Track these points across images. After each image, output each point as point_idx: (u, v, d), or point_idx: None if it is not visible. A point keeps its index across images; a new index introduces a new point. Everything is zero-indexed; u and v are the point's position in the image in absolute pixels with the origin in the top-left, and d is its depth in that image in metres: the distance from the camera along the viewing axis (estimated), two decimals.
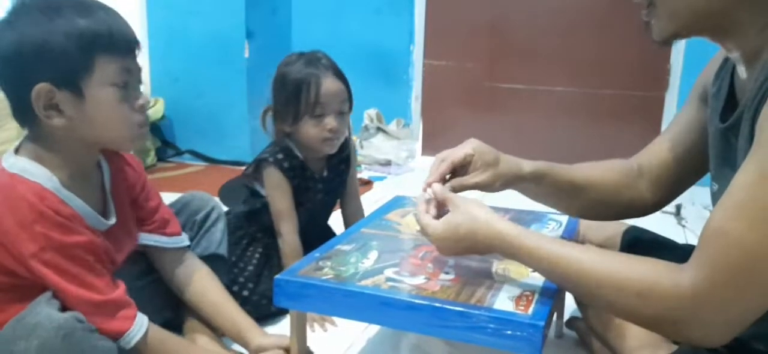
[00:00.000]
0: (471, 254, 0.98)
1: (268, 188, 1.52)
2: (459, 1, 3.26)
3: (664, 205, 1.15)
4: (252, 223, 1.58)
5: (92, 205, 1.01)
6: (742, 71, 0.88)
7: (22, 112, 0.96)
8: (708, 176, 1.01)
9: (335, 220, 1.76)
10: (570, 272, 0.85)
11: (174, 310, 1.28)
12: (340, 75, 1.51)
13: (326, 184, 1.61)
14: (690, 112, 1.07)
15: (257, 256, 1.53)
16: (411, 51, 3.33)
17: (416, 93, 3.38)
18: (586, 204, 1.16)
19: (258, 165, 1.54)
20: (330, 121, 1.47)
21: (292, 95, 1.47)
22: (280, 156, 1.51)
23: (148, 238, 1.20)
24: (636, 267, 0.80)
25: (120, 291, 1.01)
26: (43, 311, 0.88)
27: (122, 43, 0.97)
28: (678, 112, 1.10)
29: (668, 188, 1.12)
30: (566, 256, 0.86)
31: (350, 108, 1.55)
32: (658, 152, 1.12)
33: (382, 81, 3.38)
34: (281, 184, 1.51)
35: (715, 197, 0.93)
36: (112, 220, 1.06)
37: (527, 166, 1.11)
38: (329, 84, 1.47)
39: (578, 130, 3.17)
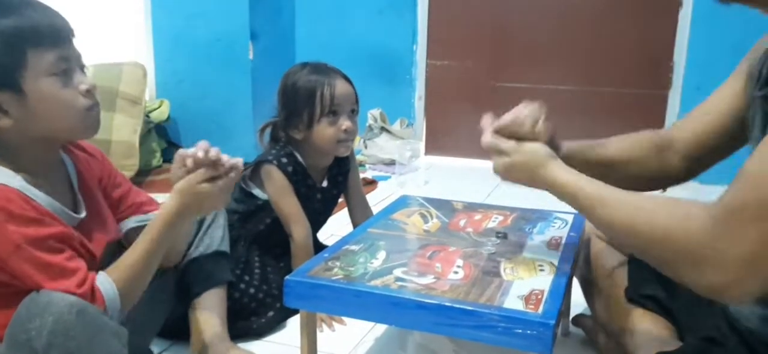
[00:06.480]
0: (528, 186, 1.02)
1: (274, 193, 1.53)
2: (461, 1, 3.27)
3: (695, 176, 1.16)
4: (246, 226, 1.57)
5: (60, 201, 1.00)
6: None
7: None
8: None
9: (340, 228, 1.77)
10: (603, 216, 0.90)
11: (177, 304, 1.29)
12: (347, 78, 1.57)
13: (324, 193, 1.63)
14: (731, 88, 1.08)
15: (238, 271, 1.49)
16: (414, 51, 3.34)
17: (419, 93, 3.39)
18: (619, 179, 1.17)
19: (258, 166, 1.55)
20: (344, 121, 1.53)
21: (306, 100, 1.51)
22: (284, 160, 1.53)
23: (130, 222, 1.18)
24: (662, 209, 0.82)
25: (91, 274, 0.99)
26: (55, 291, 0.88)
27: (50, 34, 0.97)
28: (718, 88, 1.11)
29: (699, 160, 1.13)
30: (599, 197, 0.91)
31: (358, 110, 1.58)
32: (693, 124, 1.13)
33: (385, 81, 3.39)
34: (286, 186, 1.52)
35: None
36: (83, 214, 1.05)
37: (564, 147, 1.14)
38: (341, 86, 1.53)
39: (581, 128, 3.14)
